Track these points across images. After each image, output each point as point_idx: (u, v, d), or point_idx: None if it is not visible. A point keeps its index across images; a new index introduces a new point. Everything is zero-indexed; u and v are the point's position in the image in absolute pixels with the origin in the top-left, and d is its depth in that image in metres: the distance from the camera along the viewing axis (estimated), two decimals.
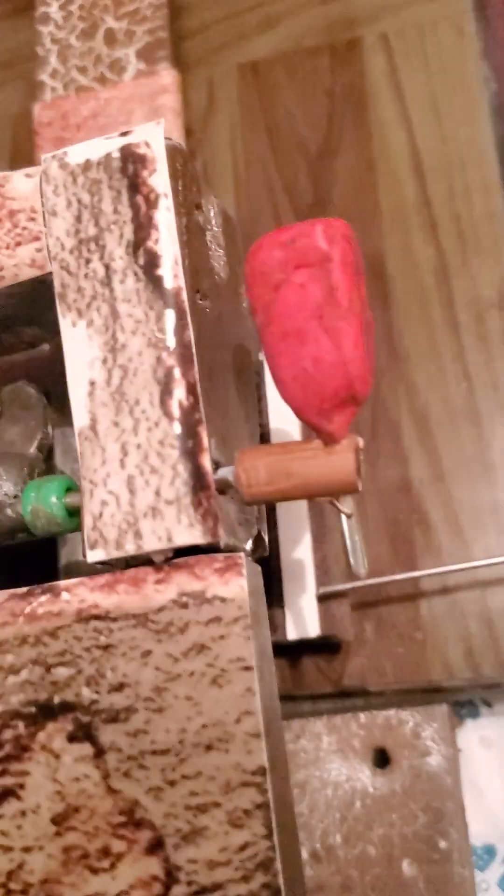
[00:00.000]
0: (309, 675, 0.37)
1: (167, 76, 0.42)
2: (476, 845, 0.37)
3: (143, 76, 0.42)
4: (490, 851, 0.37)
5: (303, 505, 0.33)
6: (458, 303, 0.39)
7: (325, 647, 0.36)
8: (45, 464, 0.27)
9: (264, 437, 0.34)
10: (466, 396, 0.38)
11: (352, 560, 0.24)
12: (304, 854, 0.36)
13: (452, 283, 0.39)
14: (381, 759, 0.36)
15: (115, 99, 0.42)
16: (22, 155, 0.46)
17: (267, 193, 0.43)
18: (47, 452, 0.28)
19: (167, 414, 0.23)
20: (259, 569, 0.25)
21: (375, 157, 0.42)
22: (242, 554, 0.23)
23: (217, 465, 0.24)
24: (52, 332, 0.26)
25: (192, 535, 0.22)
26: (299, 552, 0.33)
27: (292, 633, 0.33)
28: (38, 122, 0.44)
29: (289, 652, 0.37)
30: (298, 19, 0.45)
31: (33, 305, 0.27)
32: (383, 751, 0.36)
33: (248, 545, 0.26)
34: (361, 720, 0.36)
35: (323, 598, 0.34)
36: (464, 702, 0.37)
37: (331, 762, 0.36)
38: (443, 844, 0.35)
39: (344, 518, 0.24)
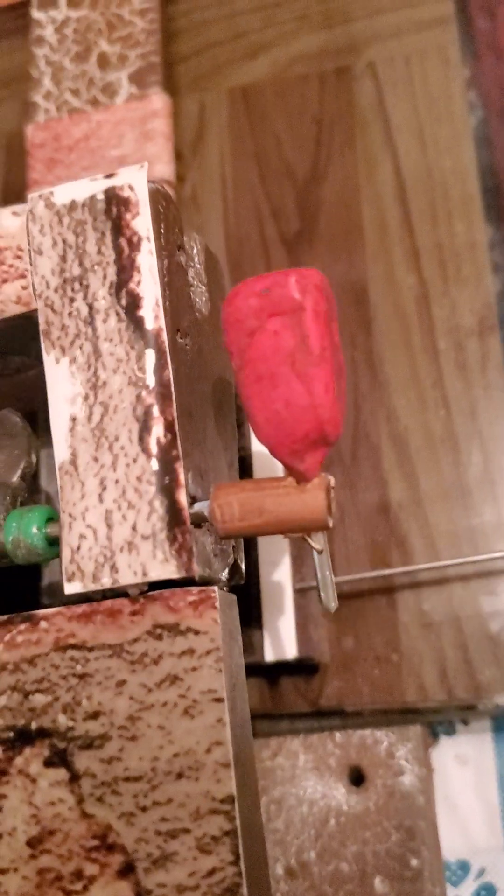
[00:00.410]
0: (287, 694, 0.38)
1: (158, 101, 0.42)
2: (450, 860, 0.38)
3: (134, 100, 0.43)
4: (464, 867, 0.38)
5: None
6: (438, 330, 0.40)
7: (303, 667, 0.37)
8: (29, 489, 0.28)
9: (247, 461, 0.34)
10: (445, 423, 0.39)
11: (322, 594, 0.25)
12: (279, 870, 0.37)
13: (433, 311, 0.40)
14: (356, 777, 0.37)
15: (106, 122, 0.43)
16: (16, 174, 0.47)
17: (255, 218, 0.43)
18: (31, 480, 0.28)
19: (145, 450, 0.24)
20: (234, 598, 0.25)
21: (361, 185, 0.43)
22: (216, 588, 0.24)
23: (193, 500, 0.25)
24: (40, 360, 0.26)
25: (166, 569, 0.23)
26: (278, 575, 0.34)
27: (270, 655, 0.33)
28: (31, 142, 0.45)
29: (268, 672, 0.37)
30: (288, 47, 0.46)
31: (20, 338, 0.27)
32: (358, 769, 0.37)
33: (225, 574, 0.27)
34: (337, 739, 0.37)
35: (300, 591, 0.34)
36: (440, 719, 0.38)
37: (307, 780, 0.37)
38: (414, 862, 0.36)
39: (315, 553, 0.24)
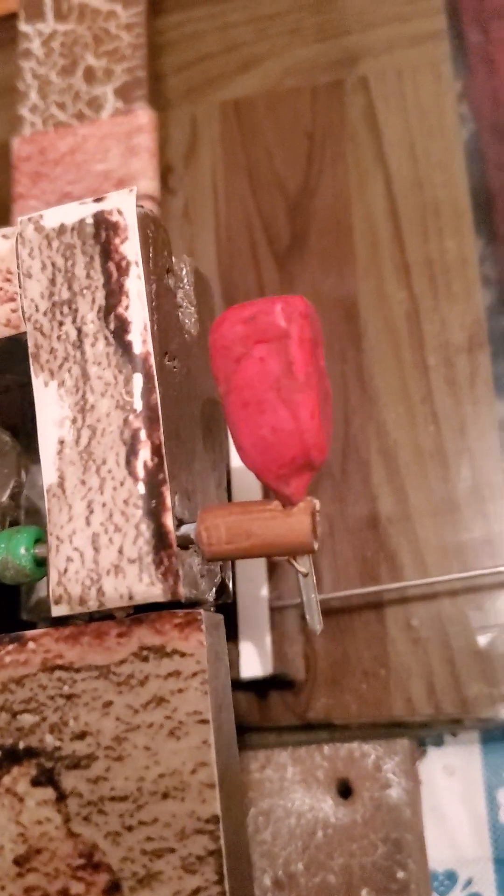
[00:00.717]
0: (276, 708, 0.38)
1: (143, 116, 0.42)
2: (438, 871, 0.38)
3: (120, 114, 0.43)
4: (451, 877, 0.38)
5: None
6: (428, 346, 0.40)
7: (291, 681, 0.37)
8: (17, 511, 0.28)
9: (227, 475, 0.35)
10: (434, 438, 0.39)
11: (308, 616, 0.25)
12: (267, 881, 0.37)
13: (423, 326, 0.40)
14: (344, 790, 0.37)
15: (92, 136, 0.43)
16: (3, 186, 0.47)
17: (246, 233, 0.44)
18: (20, 500, 0.28)
19: (132, 474, 0.24)
20: (220, 619, 0.26)
21: (352, 199, 0.43)
22: (202, 610, 0.24)
23: (180, 522, 0.25)
24: (28, 378, 0.26)
25: (152, 593, 0.23)
26: (255, 592, 0.34)
27: (245, 672, 0.34)
28: (17, 156, 0.45)
29: (257, 685, 0.38)
30: (281, 60, 0.46)
31: (9, 358, 0.28)
32: (346, 782, 0.37)
33: (212, 594, 0.27)
34: (325, 752, 0.38)
35: (277, 609, 0.35)
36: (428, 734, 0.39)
37: (295, 792, 0.38)
38: (401, 875, 0.36)
39: (300, 576, 0.25)
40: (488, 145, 0.46)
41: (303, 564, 0.24)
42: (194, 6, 0.48)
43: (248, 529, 0.24)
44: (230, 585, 0.29)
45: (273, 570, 0.36)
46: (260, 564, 0.35)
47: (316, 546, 0.24)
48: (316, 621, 0.25)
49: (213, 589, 0.27)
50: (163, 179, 0.45)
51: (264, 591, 0.34)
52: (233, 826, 0.24)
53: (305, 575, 0.24)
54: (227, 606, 0.34)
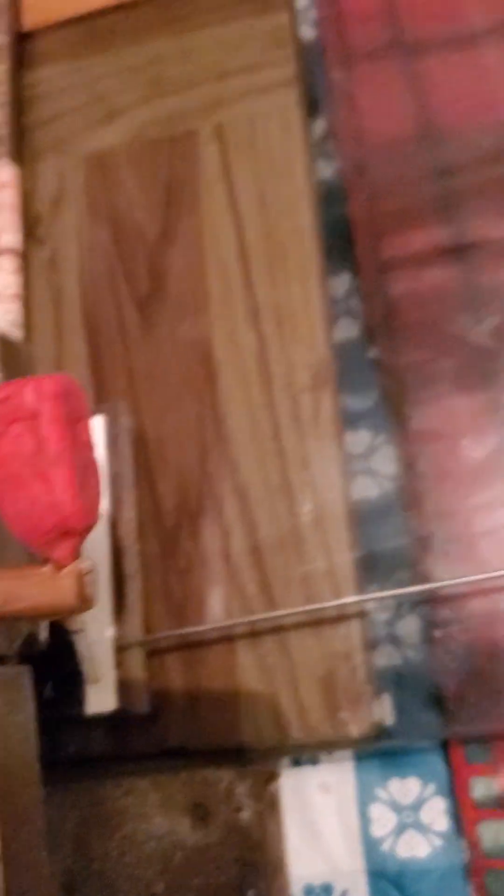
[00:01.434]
0: (135, 737, 0.40)
1: (6, 173, 0.44)
2: (314, 883, 0.40)
3: None
4: (327, 890, 0.40)
5: (105, 585, 0.36)
6: (275, 386, 0.42)
7: (149, 712, 0.39)
8: None
9: None
10: (281, 473, 0.41)
11: (85, 669, 0.27)
12: None
13: (272, 367, 0.42)
14: (200, 813, 0.39)
15: None
16: None
17: (108, 281, 0.45)
18: None
19: None
20: (18, 671, 0.28)
21: (206, 246, 0.45)
22: None
23: None
24: None
25: None
26: (99, 630, 0.36)
27: (91, 708, 0.36)
28: None
29: (116, 717, 0.40)
30: (140, 111, 0.48)
31: None
32: (203, 806, 0.39)
33: (14, 647, 0.29)
34: (182, 778, 0.40)
35: (122, 647, 0.37)
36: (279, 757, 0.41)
37: (155, 817, 0.39)
38: (251, 893, 0.38)
39: (75, 634, 0.26)
40: (351, 181, 0.48)
41: (76, 622, 0.26)
42: (64, 59, 0.50)
43: (19, 593, 0.26)
44: (42, 636, 0.30)
45: (118, 610, 0.37)
46: (105, 605, 0.37)
47: (87, 606, 0.26)
48: (93, 677, 0.27)
49: (16, 642, 0.29)
50: (31, 230, 0.47)
51: (109, 631, 0.36)
52: (16, 859, 0.26)
53: (78, 632, 0.26)
54: (71, 648, 0.36)
